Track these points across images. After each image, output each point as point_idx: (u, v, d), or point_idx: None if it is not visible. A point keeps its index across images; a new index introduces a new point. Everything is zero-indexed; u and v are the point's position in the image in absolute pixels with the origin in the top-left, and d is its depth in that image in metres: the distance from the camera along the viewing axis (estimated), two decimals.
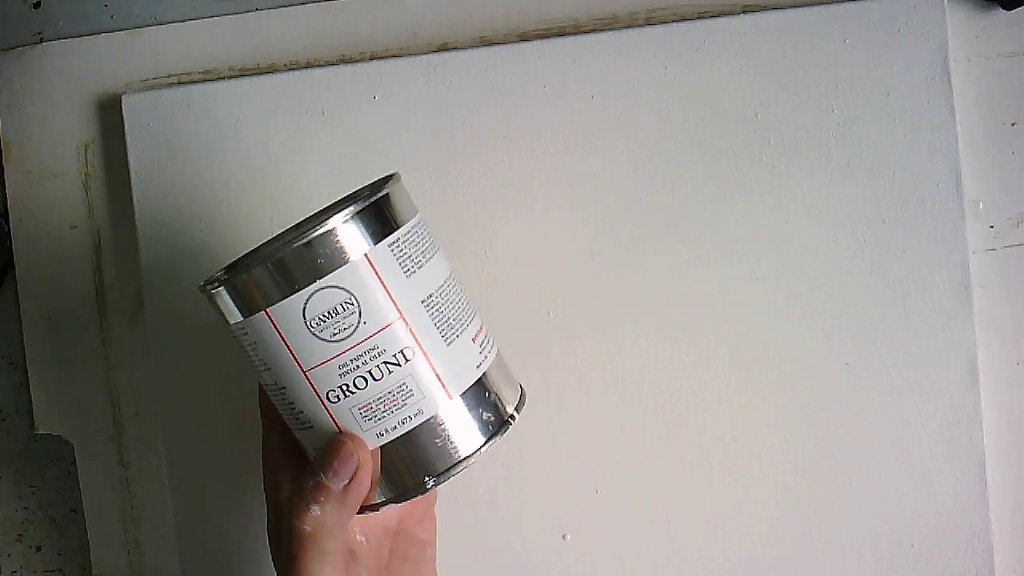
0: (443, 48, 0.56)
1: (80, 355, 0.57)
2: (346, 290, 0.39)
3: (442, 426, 0.41)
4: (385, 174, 0.45)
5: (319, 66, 0.56)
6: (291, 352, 0.40)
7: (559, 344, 0.54)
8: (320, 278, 0.39)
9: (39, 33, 0.58)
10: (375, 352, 0.40)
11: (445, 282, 0.42)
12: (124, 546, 0.58)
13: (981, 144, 0.54)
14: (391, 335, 0.40)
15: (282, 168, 0.55)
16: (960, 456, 0.52)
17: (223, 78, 0.56)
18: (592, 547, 0.54)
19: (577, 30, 0.55)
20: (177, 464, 0.55)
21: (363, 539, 0.44)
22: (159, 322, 0.55)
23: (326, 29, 0.56)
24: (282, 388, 0.41)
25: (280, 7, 0.56)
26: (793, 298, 0.53)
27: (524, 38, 0.55)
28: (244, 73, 0.56)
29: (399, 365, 0.40)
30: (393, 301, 0.40)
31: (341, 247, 0.39)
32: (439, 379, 0.41)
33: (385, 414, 0.40)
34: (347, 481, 0.40)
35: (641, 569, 0.54)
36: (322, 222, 0.39)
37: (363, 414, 0.40)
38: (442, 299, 0.42)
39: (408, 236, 0.41)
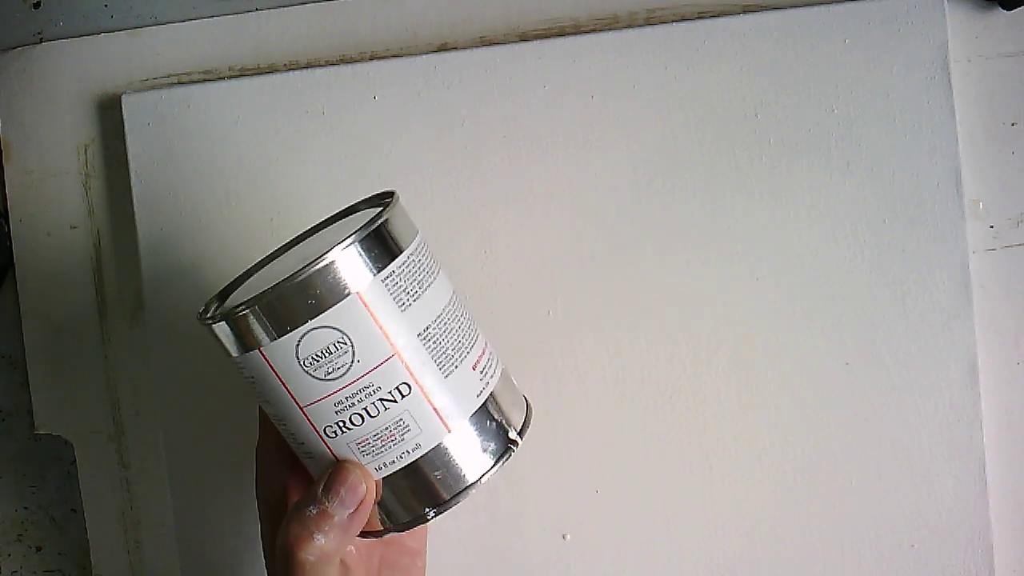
0: (443, 48, 0.56)
1: (80, 355, 0.57)
2: (338, 330, 0.38)
3: (443, 458, 0.40)
4: (383, 191, 0.44)
5: (319, 66, 0.56)
6: (287, 389, 0.39)
7: (559, 344, 0.54)
8: (312, 319, 0.38)
9: (39, 33, 0.58)
10: (370, 390, 0.39)
11: (444, 309, 0.41)
12: (124, 546, 0.58)
13: (981, 144, 0.54)
14: (386, 372, 0.39)
15: (282, 168, 0.55)
16: (960, 456, 0.52)
17: (223, 78, 0.56)
18: (592, 547, 0.54)
19: (577, 30, 0.55)
20: (177, 464, 0.55)
21: (353, 548, 0.44)
22: (159, 322, 0.55)
23: (326, 29, 0.56)
24: (282, 421, 0.41)
25: (280, 7, 0.56)
26: (793, 298, 0.53)
27: (524, 38, 0.55)
28: (244, 73, 0.56)
29: (395, 401, 0.39)
30: (387, 337, 0.39)
31: (332, 285, 0.38)
32: (437, 413, 0.40)
33: (383, 449, 0.40)
34: (352, 510, 0.40)
35: (641, 569, 0.54)
36: (316, 260, 0.38)
37: (361, 449, 0.40)
38: (440, 329, 0.40)
39: (404, 266, 0.40)
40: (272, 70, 0.56)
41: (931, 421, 0.53)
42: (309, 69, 0.55)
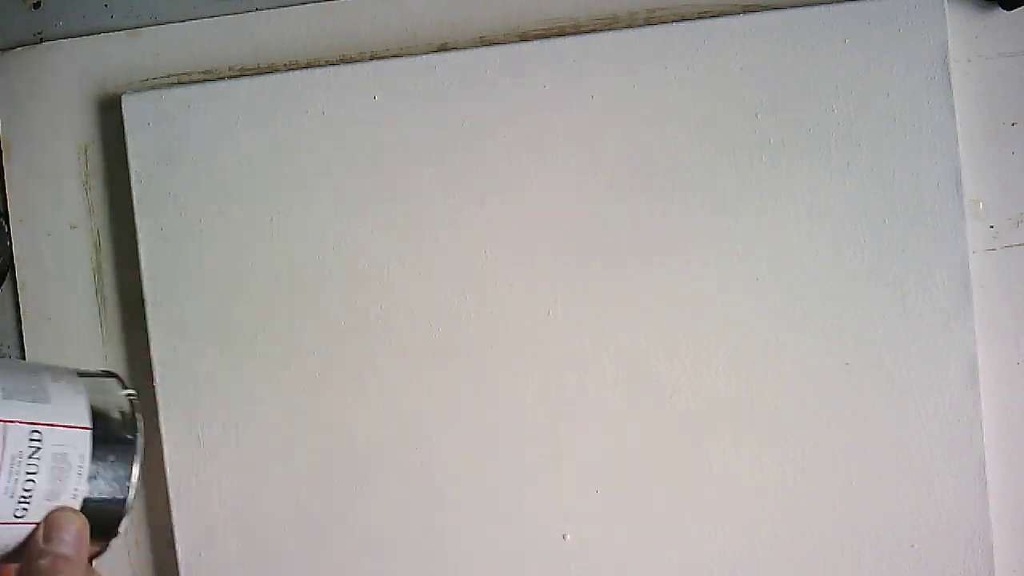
0: (443, 48, 0.56)
1: (80, 355, 0.57)
2: None
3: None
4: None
5: (319, 66, 0.56)
6: None
7: (559, 344, 0.54)
8: None
9: (39, 33, 0.58)
10: None
11: None
12: (124, 546, 0.58)
13: (981, 144, 0.54)
14: None
15: (282, 168, 0.55)
16: (960, 456, 0.52)
17: (223, 78, 0.56)
18: (592, 547, 0.54)
19: (577, 30, 0.55)
20: (177, 463, 0.55)
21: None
22: (159, 322, 0.55)
23: (326, 29, 0.56)
24: None
25: (280, 7, 0.56)
26: (793, 298, 0.53)
27: (524, 38, 0.55)
28: (244, 73, 0.56)
29: None
30: None
31: None
32: None
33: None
34: (75, 540, 0.41)
35: (641, 569, 0.54)
36: None
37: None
38: None
39: None
40: (272, 70, 0.56)
41: (931, 421, 0.53)
42: (309, 69, 0.55)
